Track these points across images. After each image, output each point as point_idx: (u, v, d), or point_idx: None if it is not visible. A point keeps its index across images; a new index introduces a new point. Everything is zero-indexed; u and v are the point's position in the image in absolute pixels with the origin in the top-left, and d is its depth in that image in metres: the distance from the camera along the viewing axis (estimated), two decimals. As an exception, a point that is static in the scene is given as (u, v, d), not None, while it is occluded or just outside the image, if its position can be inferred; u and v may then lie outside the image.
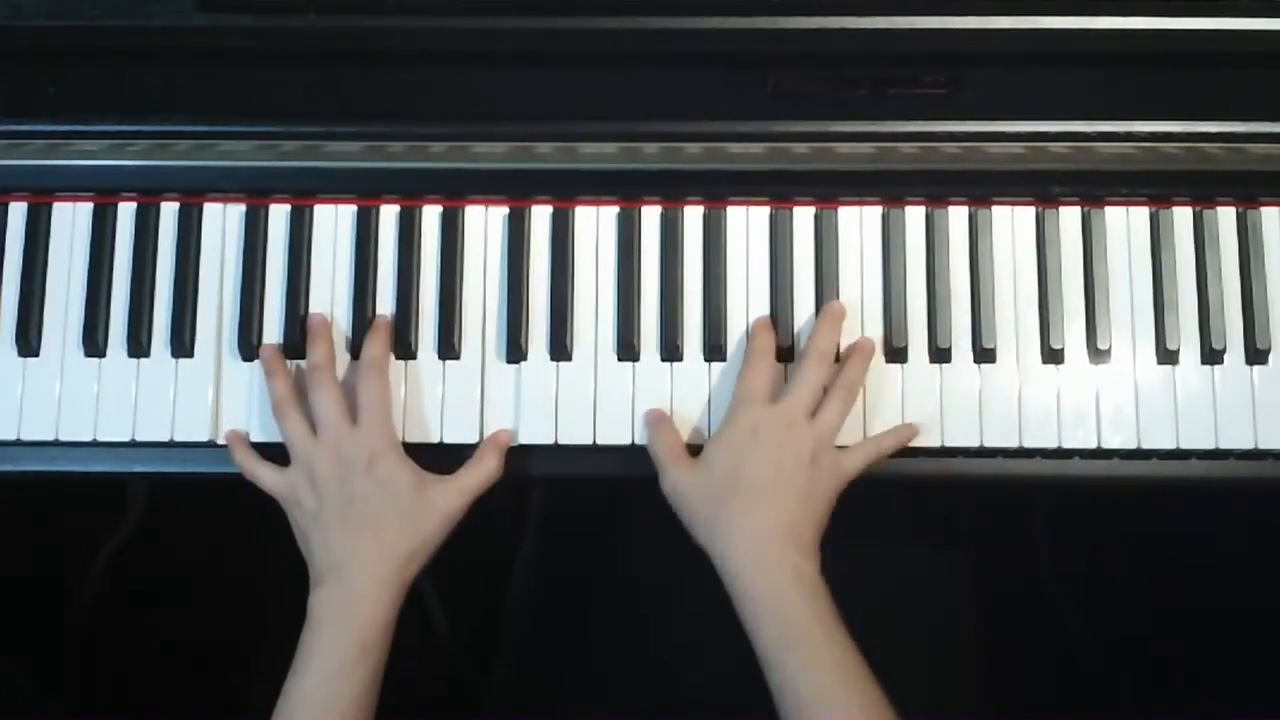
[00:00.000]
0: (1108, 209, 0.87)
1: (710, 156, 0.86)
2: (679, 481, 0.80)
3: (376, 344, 0.84)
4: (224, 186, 0.87)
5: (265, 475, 0.82)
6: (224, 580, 1.23)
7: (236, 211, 0.87)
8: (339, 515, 0.79)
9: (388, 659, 0.77)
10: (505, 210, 0.87)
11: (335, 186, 0.87)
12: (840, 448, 0.81)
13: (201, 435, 0.85)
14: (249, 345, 0.85)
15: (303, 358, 0.85)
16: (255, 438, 0.84)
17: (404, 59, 0.82)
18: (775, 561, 0.76)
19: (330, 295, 0.87)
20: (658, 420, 0.83)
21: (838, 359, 0.84)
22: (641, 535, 1.18)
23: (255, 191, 0.87)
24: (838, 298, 0.86)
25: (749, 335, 0.85)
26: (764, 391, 0.81)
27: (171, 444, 0.85)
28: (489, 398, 0.85)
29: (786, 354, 0.85)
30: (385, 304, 0.86)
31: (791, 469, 0.78)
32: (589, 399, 0.85)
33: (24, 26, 0.79)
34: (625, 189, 0.87)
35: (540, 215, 0.87)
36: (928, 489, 1.07)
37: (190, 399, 0.85)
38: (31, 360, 0.86)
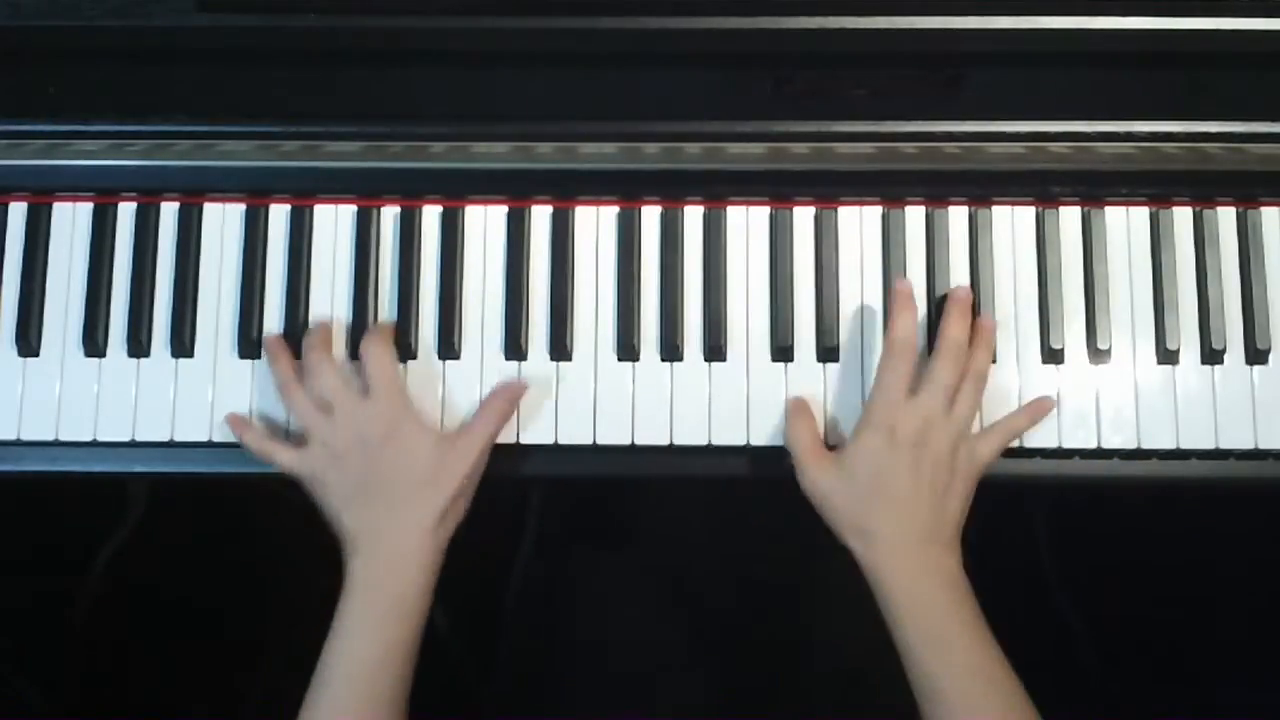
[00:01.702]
0: (1108, 209, 0.87)
1: (710, 156, 0.86)
2: (819, 482, 0.79)
3: (381, 325, 0.84)
4: (224, 186, 0.87)
5: (282, 456, 0.81)
6: (224, 580, 1.23)
7: (236, 211, 0.87)
8: (366, 487, 0.79)
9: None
10: (505, 210, 0.87)
11: (335, 186, 0.87)
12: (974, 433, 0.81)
13: (201, 435, 0.85)
14: (249, 345, 0.85)
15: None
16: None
17: (404, 59, 0.82)
18: (917, 563, 0.76)
19: (330, 295, 0.87)
20: (797, 412, 0.83)
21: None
22: (640, 535, 1.18)
23: (255, 191, 0.87)
24: (837, 298, 0.86)
25: (887, 321, 0.83)
26: (903, 388, 0.79)
27: (171, 444, 0.85)
28: (489, 398, 0.85)
29: (785, 354, 0.85)
30: (385, 304, 0.86)
31: (930, 470, 0.77)
32: (589, 399, 0.85)
33: (24, 26, 0.79)
34: (625, 189, 0.87)
35: (540, 215, 0.87)
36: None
37: (190, 399, 0.85)
38: (31, 360, 0.86)
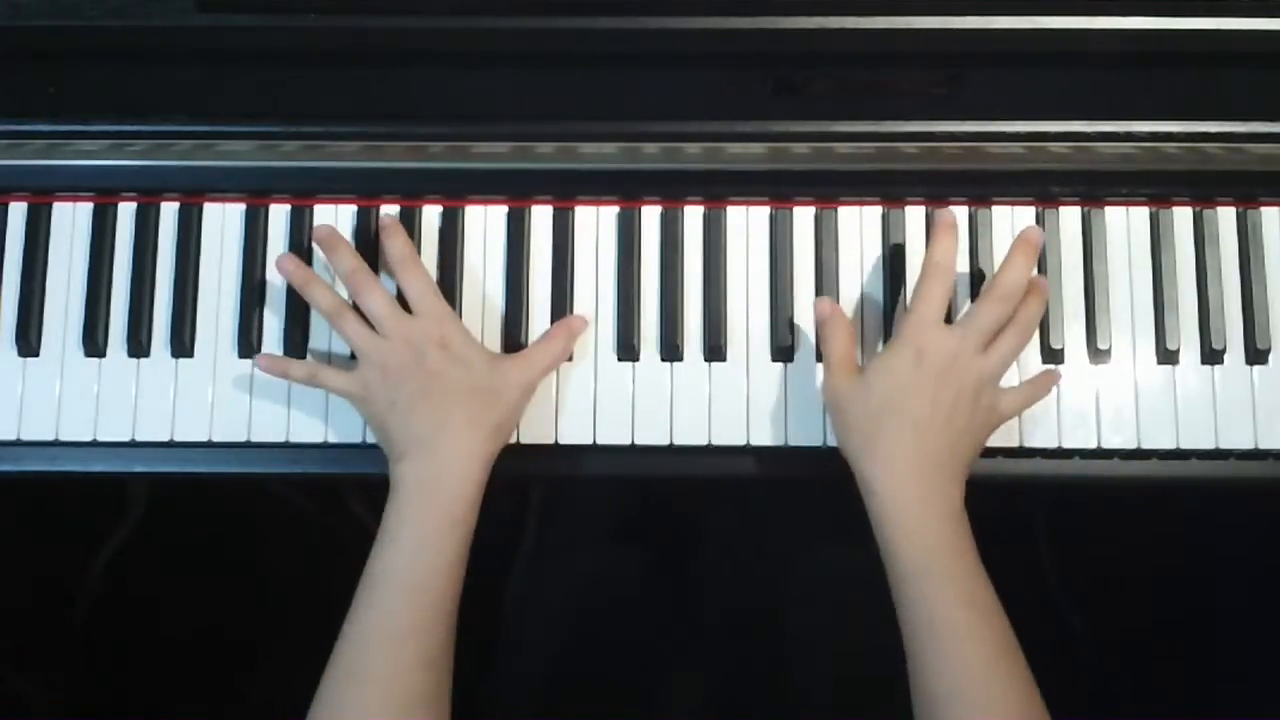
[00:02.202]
0: (1108, 209, 0.87)
1: (710, 156, 0.86)
2: (840, 388, 0.79)
3: (398, 240, 0.84)
4: (224, 186, 0.87)
5: (335, 380, 0.81)
6: (224, 580, 1.23)
7: (236, 211, 0.87)
8: (419, 394, 0.78)
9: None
10: (505, 210, 0.87)
11: (335, 186, 0.87)
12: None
13: (201, 435, 0.84)
14: (249, 345, 0.85)
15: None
16: (255, 438, 0.84)
17: (404, 59, 0.82)
18: (921, 487, 0.75)
19: (330, 295, 0.86)
20: (835, 319, 0.82)
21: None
22: (640, 535, 1.18)
23: (255, 191, 0.87)
24: (838, 299, 0.86)
25: (927, 240, 0.83)
26: (938, 310, 0.78)
27: (171, 444, 0.85)
28: (489, 398, 0.85)
29: (785, 354, 0.85)
30: (385, 304, 0.86)
31: (951, 402, 0.76)
32: (589, 399, 0.85)
33: (24, 26, 0.79)
34: (625, 189, 0.87)
35: (540, 215, 0.87)
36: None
37: (190, 399, 0.85)
38: (31, 360, 0.86)
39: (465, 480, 0.77)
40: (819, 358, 0.85)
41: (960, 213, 0.87)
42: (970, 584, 0.73)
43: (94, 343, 0.85)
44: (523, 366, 0.81)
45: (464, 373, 0.79)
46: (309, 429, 0.84)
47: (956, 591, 0.72)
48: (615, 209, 0.87)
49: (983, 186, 0.87)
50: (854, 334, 0.83)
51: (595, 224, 0.87)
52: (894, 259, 0.86)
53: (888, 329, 0.85)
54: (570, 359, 0.85)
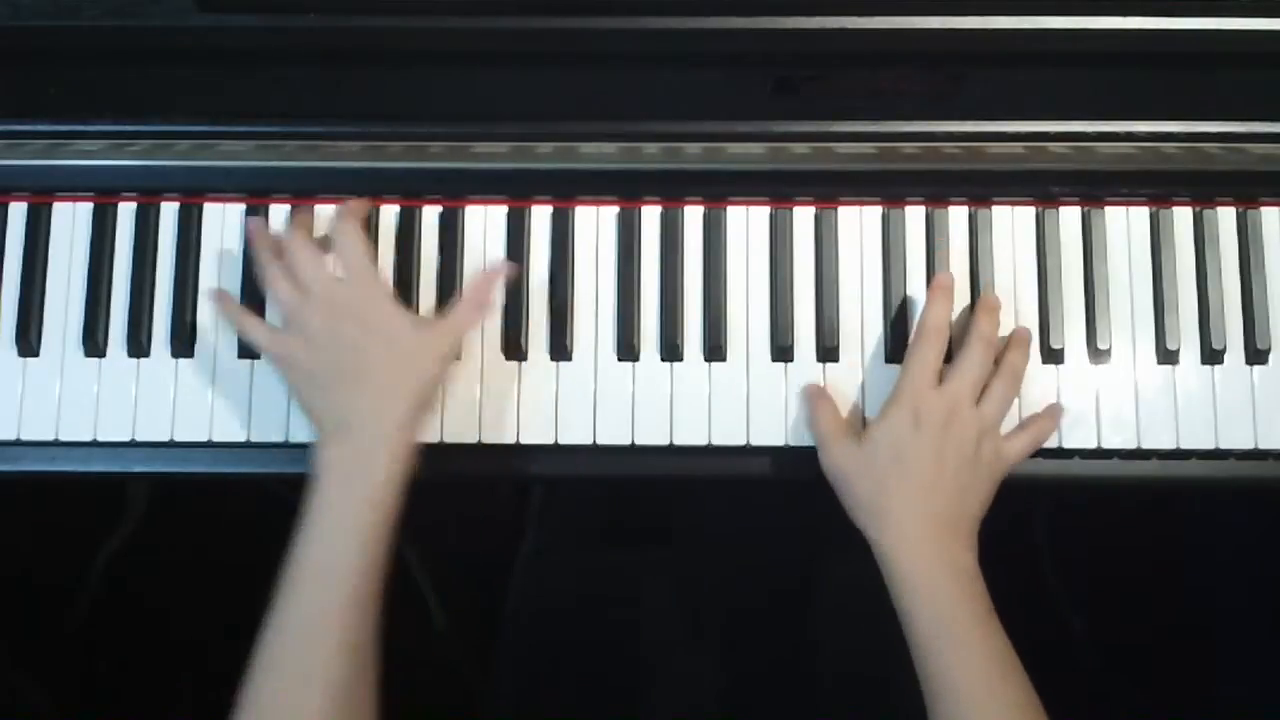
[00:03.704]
0: (1108, 209, 0.87)
1: (710, 156, 0.86)
2: (841, 461, 0.79)
3: (348, 215, 0.83)
4: (224, 186, 0.87)
5: (258, 332, 0.81)
6: (224, 580, 1.23)
7: (237, 211, 0.87)
8: (339, 369, 0.77)
9: (387, 632, 0.75)
10: (505, 210, 0.87)
11: (335, 186, 0.87)
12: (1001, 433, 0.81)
13: (201, 435, 0.84)
14: (249, 345, 0.85)
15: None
16: (255, 438, 0.84)
17: (404, 59, 0.82)
18: (932, 550, 0.75)
19: (330, 295, 0.86)
20: (817, 396, 0.83)
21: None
22: (639, 536, 1.18)
23: (255, 191, 0.87)
24: (837, 298, 0.86)
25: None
26: (932, 374, 0.79)
27: (171, 444, 0.85)
28: (488, 397, 0.85)
29: (785, 354, 0.85)
30: (385, 304, 0.86)
31: (954, 458, 0.77)
32: (589, 399, 0.85)
33: (24, 26, 0.79)
34: (625, 189, 0.87)
35: (540, 215, 0.87)
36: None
37: (190, 399, 0.85)
38: (31, 360, 0.86)
39: (388, 462, 0.76)
40: (819, 358, 0.85)
41: (960, 213, 0.87)
42: (987, 644, 0.74)
43: (94, 343, 0.85)
44: (443, 331, 0.80)
45: (384, 344, 0.78)
46: (309, 429, 0.84)
47: (973, 653, 0.73)
48: (615, 209, 0.87)
49: (983, 186, 0.87)
50: (834, 402, 0.83)
51: (595, 224, 0.87)
52: (894, 259, 0.86)
53: (888, 329, 0.85)
54: (570, 359, 0.85)
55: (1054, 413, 0.83)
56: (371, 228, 0.87)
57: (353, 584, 0.73)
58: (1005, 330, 0.84)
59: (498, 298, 0.83)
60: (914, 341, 0.81)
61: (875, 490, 0.77)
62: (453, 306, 0.82)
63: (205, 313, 0.86)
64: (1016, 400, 0.83)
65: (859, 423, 0.84)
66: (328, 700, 0.70)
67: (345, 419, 0.77)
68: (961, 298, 0.86)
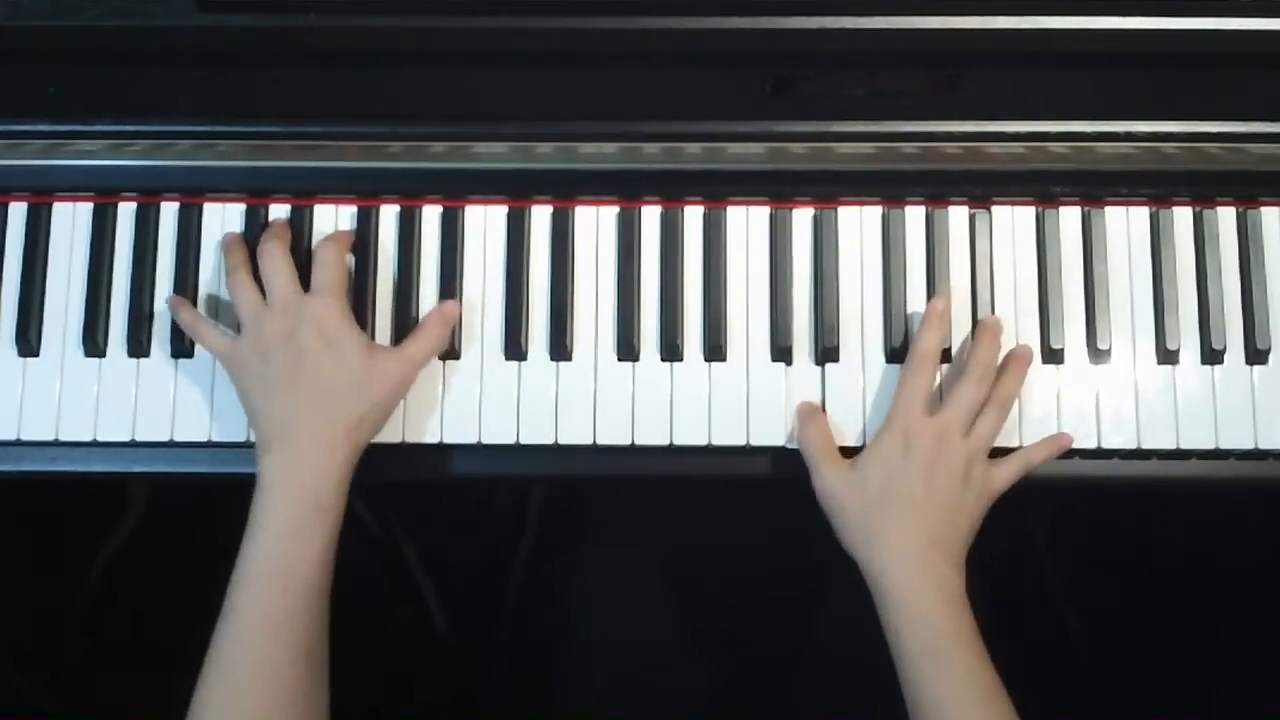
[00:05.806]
0: (1108, 209, 0.87)
1: (710, 156, 0.86)
2: (832, 485, 0.80)
3: (340, 233, 0.85)
4: (224, 186, 0.87)
5: (210, 337, 0.82)
6: (224, 581, 1.23)
7: (236, 211, 0.87)
8: (285, 377, 0.78)
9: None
10: (505, 210, 0.87)
11: (335, 186, 0.87)
12: (991, 459, 0.81)
13: (201, 435, 0.85)
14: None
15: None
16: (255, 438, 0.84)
17: (404, 59, 0.82)
18: (921, 572, 0.76)
19: (330, 295, 0.86)
20: (809, 415, 0.83)
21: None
22: (641, 536, 1.18)
23: (255, 191, 0.87)
24: (837, 298, 0.86)
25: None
26: (923, 401, 0.80)
27: (171, 444, 0.85)
28: (488, 398, 0.85)
29: (785, 354, 0.85)
30: (385, 304, 0.86)
31: (944, 485, 0.78)
32: (589, 399, 0.85)
33: (24, 26, 0.78)
34: (625, 189, 0.87)
35: (540, 215, 0.87)
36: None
37: (190, 399, 0.85)
38: (31, 360, 0.86)
39: (328, 468, 0.77)
40: (819, 358, 0.85)
41: (960, 213, 0.87)
42: (971, 665, 0.75)
43: (94, 343, 0.85)
44: (399, 360, 0.81)
45: (334, 361, 0.78)
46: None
47: (957, 672, 0.74)
48: (615, 209, 0.87)
49: (983, 186, 0.87)
50: (827, 422, 0.83)
51: (595, 224, 0.87)
52: (894, 259, 0.86)
53: (887, 329, 0.85)
54: (570, 359, 0.85)
55: (1054, 443, 0.83)
56: (372, 228, 0.87)
57: (302, 586, 0.74)
58: (1007, 328, 0.84)
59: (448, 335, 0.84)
60: (905, 368, 0.82)
61: (865, 515, 0.78)
62: (411, 338, 0.82)
63: (205, 312, 0.86)
64: (1016, 401, 0.84)
65: (858, 426, 0.84)
66: (279, 700, 0.71)
67: (288, 426, 0.77)
68: (961, 298, 0.86)
